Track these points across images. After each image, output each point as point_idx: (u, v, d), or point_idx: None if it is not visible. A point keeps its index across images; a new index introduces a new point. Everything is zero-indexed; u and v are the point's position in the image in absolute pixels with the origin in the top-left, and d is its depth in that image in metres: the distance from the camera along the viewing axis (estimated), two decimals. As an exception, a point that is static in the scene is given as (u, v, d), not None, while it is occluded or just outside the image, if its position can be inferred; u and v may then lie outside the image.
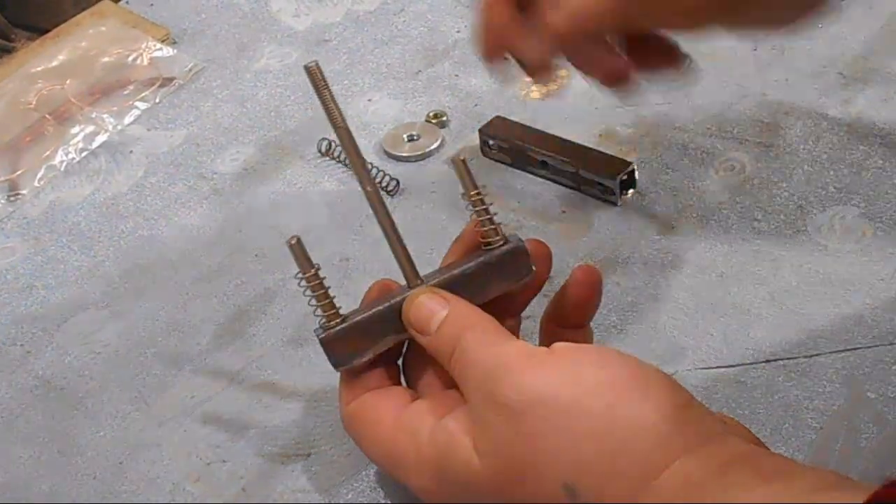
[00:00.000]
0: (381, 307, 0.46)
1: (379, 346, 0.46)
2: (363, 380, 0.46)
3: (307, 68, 0.45)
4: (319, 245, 0.60)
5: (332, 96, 0.45)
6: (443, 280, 0.46)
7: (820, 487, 0.35)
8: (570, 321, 0.47)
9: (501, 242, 0.46)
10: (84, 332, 0.57)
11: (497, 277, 0.46)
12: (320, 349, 0.52)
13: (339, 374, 0.46)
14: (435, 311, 0.44)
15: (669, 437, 0.38)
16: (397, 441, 0.44)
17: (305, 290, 0.46)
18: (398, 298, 0.45)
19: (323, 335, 0.45)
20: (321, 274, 0.46)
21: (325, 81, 0.45)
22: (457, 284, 0.45)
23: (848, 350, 0.52)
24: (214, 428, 0.52)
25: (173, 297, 0.58)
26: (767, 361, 0.52)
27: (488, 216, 0.46)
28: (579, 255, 0.58)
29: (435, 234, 0.60)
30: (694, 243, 0.58)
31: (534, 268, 0.46)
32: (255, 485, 0.50)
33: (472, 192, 0.46)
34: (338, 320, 0.46)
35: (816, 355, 0.52)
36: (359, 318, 0.46)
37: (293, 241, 0.45)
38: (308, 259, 0.46)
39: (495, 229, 0.46)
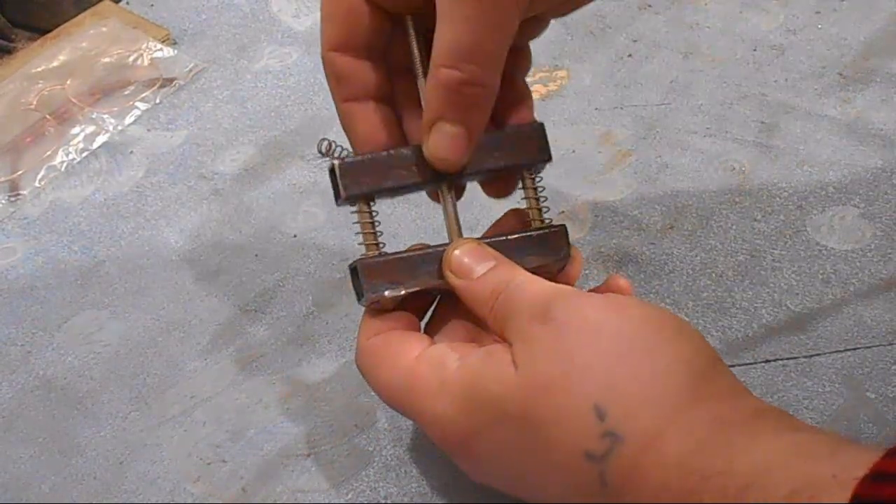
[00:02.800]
0: (422, 251, 0.46)
1: (411, 285, 0.45)
2: (387, 319, 0.46)
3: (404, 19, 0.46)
4: (319, 245, 0.60)
5: (420, 49, 0.46)
6: (485, 242, 0.46)
7: (844, 442, 0.36)
8: None
9: (542, 225, 0.47)
10: (84, 332, 0.57)
11: (535, 252, 0.46)
12: (321, 349, 0.52)
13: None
14: (480, 261, 0.44)
15: (703, 378, 0.39)
16: (419, 369, 0.43)
17: (355, 221, 0.46)
18: (441, 247, 0.45)
19: (358, 261, 0.45)
20: (375, 209, 0.46)
21: (414, 34, 0.46)
22: (497, 248, 0.46)
23: (848, 350, 0.52)
24: (214, 428, 0.52)
25: (173, 297, 0.58)
26: (767, 361, 0.52)
27: (535, 197, 0.47)
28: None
29: (437, 233, 0.60)
30: (694, 243, 0.58)
31: (571, 251, 0.47)
32: (255, 485, 0.50)
33: (526, 174, 0.47)
34: (376, 252, 0.46)
35: (816, 355, 0.52)
36: (398, 255, 0.45)
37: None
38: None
39: (539, 209, 0.47)
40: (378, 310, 0.46)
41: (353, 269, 0.45)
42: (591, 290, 0.47)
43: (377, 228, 0.46)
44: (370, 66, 0.46)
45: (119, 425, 0.53)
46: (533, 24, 0.47)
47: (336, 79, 0.46)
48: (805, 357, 0.52)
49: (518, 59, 0.47)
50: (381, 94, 0.47)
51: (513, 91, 0.47)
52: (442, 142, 0.44)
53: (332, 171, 0.45)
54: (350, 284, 0.46)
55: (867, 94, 0.66)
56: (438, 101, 0.43)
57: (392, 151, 0.46)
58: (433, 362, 0.43)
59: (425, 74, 0.44)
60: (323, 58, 0.46)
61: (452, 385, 0.42)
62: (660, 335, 0.40)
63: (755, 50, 0.70)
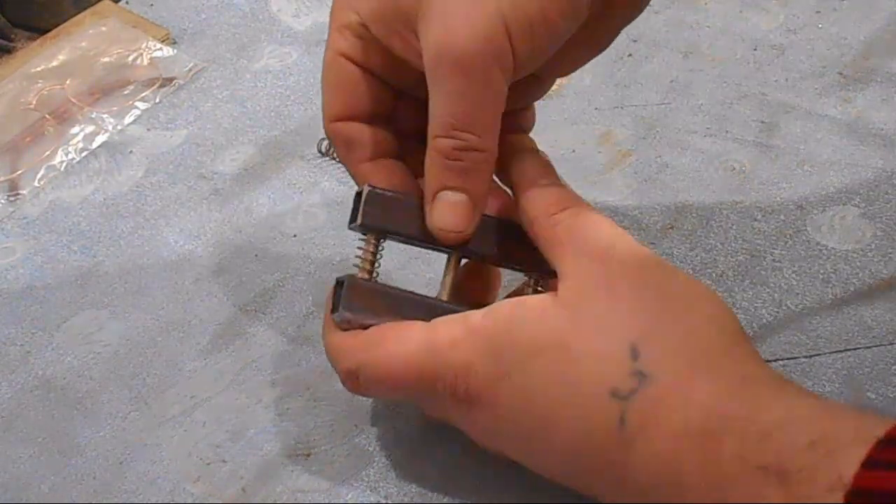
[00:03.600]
0: (412, 294, 0.46)
1: (386, 321, 0.45)
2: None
3: None
4: (319, 245, 0.60)
5: None
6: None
7: (866, 410, 0.38)
8: None
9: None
10: (84, 332, 0.57)
11: None
12: (321, 349, 0.51)
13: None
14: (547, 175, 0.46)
15: (735, 341, 0.41)
16: (437, 329, 0.43)
17: (359, 247, 0.46)
18: (431, 299, 0.46)
19: (348, 276, 0.45)
20: (383, 245, 0.46)
21: None
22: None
23: (848, 350, 0.52)
24: (214, 428, 0.52)
25: (173, 297, 0.58)
26: (768, 361, 0.52)
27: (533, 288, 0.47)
28: (579, 255, 0.58)
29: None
30: (694, 243, 0.58)
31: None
32: (255, 485, 0.50)
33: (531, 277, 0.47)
34: (368, 277, 0.46)
35: (816, 355, 0.52)
36: (389, 288, 0.45)
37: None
38: None
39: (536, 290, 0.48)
40: (345, 329, 0.45)
41: (340, 283, 0.45)
42: None
43: (378, 262, 0.46)
44: (377, 130, 0.47)
45: (119, 425, 0.53)
46: (532, 86, 0.48)
47: (345, 145, 0.47)
48: (805, 357, 0.52)
49: (521, 119, 0.49)
50: (392, 154, 0.48)
51: (515, 148, 0.48)
52: (445, 211, 0.44)
53: (358, 194, 0.45)
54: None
55: (867, 93, 0.66)
56: (438, 170, 0.44)
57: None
58: (450, 321, 0.43)
59: None
60: (326, 129, 0.47)
61: (481, 331, 0.42)
62: (701, 298, 0.42)
63: (755, 49, 0.70)
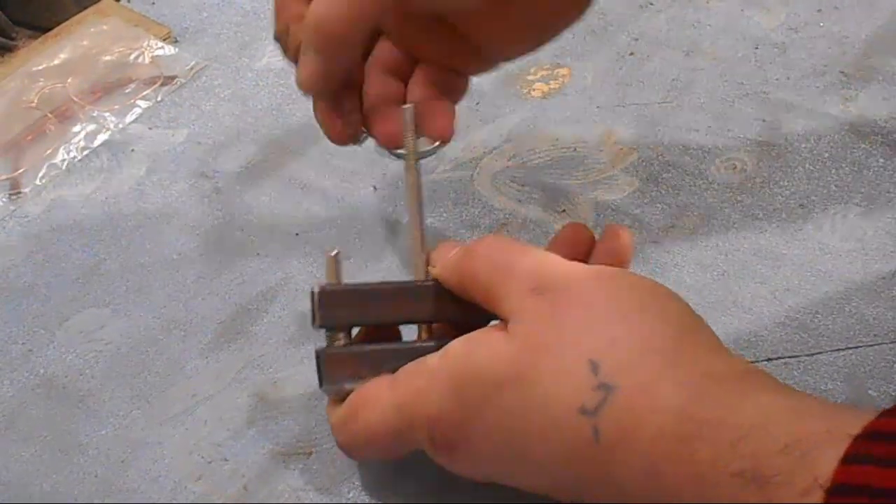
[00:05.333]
0: (393, 345, 0.46)
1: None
2: None
3: (405, 109, 0.48)
4: (320, 244, 0.60)
5: (414, 139, 0.48)
6: None
7: (835, 404, 0.37)
8: None
9: None
10: (85, 331, 0.57)
11: None
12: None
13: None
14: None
15: (691, 332, 0.41)
16: (399, 381, 0.44)
17: (327, 336, 0.46)
18: (410, 344, 0.46)
19: (323, 348, 0.45)
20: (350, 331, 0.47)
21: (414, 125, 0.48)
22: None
23: (850, 348, 0.52)
24: (216, 426, 0.52)
25: (175, 296, 0.58)
26: (769, 360, 0.52)
27: None
28: (581, 254, 0.58)
29: (436, 231, 0.60)
30: (695, 242, 0.58)
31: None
32: (257, 483, 0.50)
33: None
34: (342, 342, 0.46)
35: (818, 354, 0.52)
36: (365, 347, 0.46)
37: (333, 254, 0.46)
38: (338, 276, 0.46)
39: None
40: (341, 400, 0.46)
41: (317, 356, 0.45)
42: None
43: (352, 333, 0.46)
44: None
45: (120, 424, 0.53)
46: (468, 54, 0.50)
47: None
48: (807, 356, 0.52)
49: (451, 84, 0.51)
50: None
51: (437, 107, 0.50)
52: None
53: (311, 295, 0.45)
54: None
55: (869, 92, 0.66)
56: None
57: (377, 285, 0.46)
58: (412, 370, 0.44)
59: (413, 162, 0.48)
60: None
61: (439, 375, 0.42)
62: (647, 297, 0.42)
63: (757, 48, 0.70)
